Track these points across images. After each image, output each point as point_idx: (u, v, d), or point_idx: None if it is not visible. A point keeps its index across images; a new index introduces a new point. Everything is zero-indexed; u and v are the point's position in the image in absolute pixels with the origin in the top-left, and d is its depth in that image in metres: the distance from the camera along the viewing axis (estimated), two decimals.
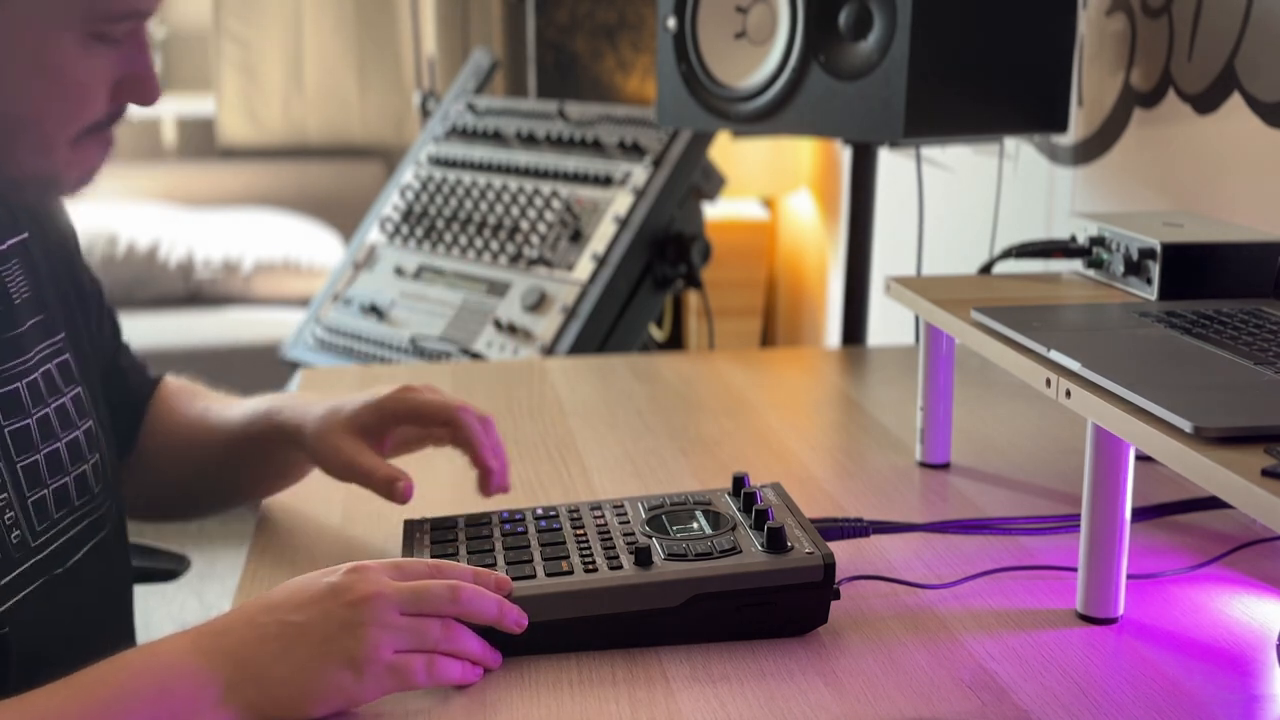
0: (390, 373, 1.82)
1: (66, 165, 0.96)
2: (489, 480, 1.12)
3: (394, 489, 1.08)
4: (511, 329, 2.12)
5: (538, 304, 2.14)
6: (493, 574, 0.94)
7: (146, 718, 0.81)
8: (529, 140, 2.42)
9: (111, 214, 3.77)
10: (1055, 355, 1.03)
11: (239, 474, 1.23)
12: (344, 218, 4.04)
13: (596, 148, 2.32)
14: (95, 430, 1.09)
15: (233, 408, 1.23)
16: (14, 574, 0.98)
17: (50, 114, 0.93)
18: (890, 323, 2.36)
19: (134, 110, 0.98)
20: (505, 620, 0.91)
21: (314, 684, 0.84)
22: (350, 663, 0.84)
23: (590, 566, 0.96)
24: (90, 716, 0.80)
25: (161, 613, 3.00)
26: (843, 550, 1.07)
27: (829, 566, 0.95)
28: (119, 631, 1.15)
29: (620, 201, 2.20)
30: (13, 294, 1.03)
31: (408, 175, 2.53)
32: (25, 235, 1.06)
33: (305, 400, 1.18)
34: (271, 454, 1.20)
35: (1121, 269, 1.28)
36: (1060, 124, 1.73)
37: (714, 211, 2.98)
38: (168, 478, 1.26)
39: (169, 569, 1.55)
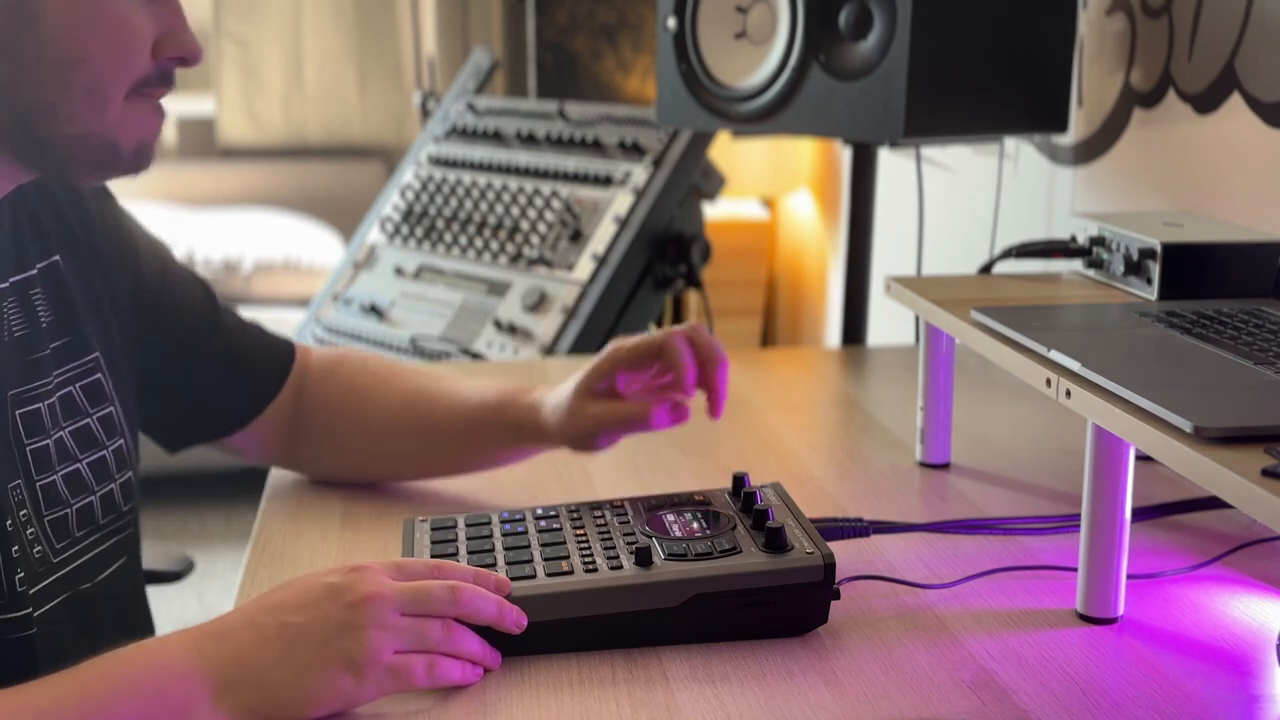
0: None
1: (120, 125, 0.96)
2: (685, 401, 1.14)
3: (668, 409, 1.12)
4: (511, 329, 2.12)
5: (538, 304, 2.14)
6: (493, 575, 0.94)
7: (141, 714, 0.81)
8: (529, 140, 2.42)
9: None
10: (1055, 355, 1.03)
11: (460, 453, 1.24)
12: (344, 218, 4.04)
13: (596, 148, 2.32)
14: (127, 449, 1.11)
15: (457, 392, 1.23)
16: (39, 586, 1.00)
17: (103, 61, 0.94)
18: (890, 323, 2.36)
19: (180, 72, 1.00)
20: (505, 621, 0.91)
21: (314, 686, 0.84)
22: (350, 665, 0.84)
23: (590, 566, 0.96)
24: (86, 709, 0.80)
25: (162, 613, 2.99)
26: (843, 550, 1.07)
27: (829, 566, 0.95)
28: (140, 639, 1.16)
29: (620, 201, 2.20)
30: (41, 318, 1.04)
31: (408, 175, 2.53)
32: (56, 258, 1.07)
33: (526, 394, 1.20)
34: (501, 442, 1.22)
35: (1121, 269, 1.28)
36: (1060, 124, 1.73)
37: (714, 211, 2.98)
38: (350, 443, 1.25)
39: (175, 571, 1.55)
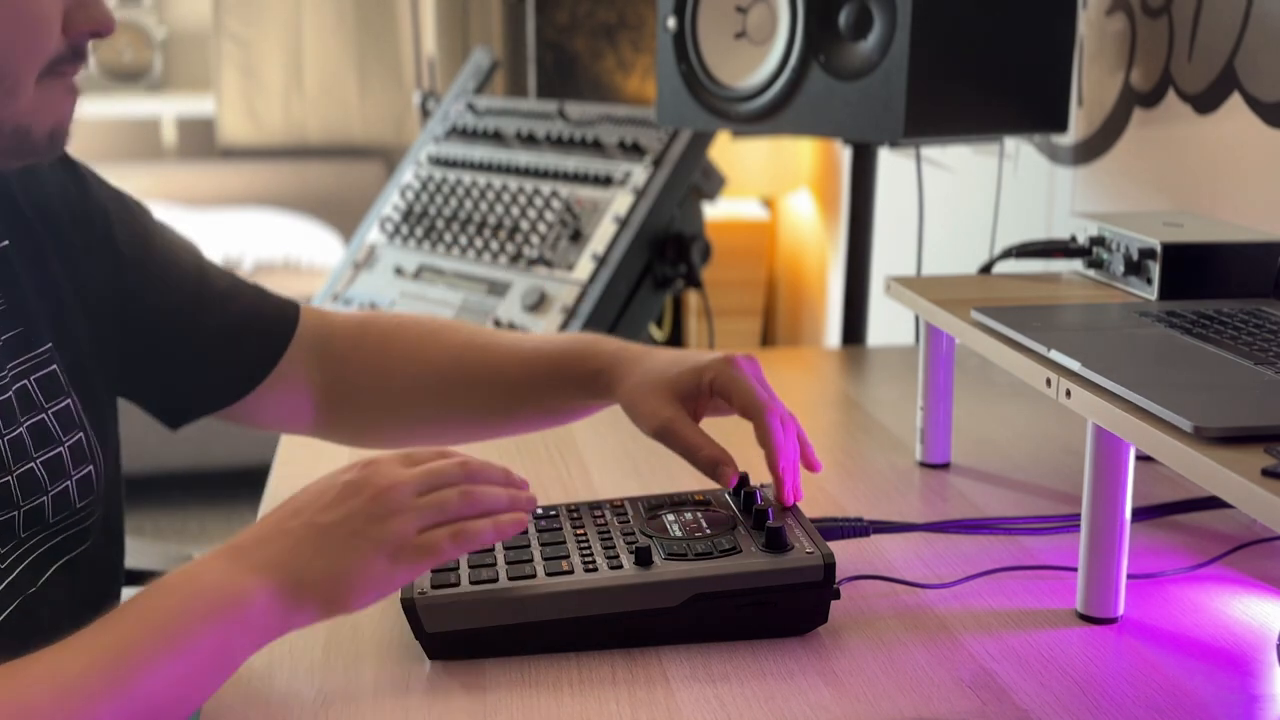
0: None
1: (33, 111, 0.93)
2: (780, 490, 1.07)
3: (719, 472, 1.06)
4: (511, 329, 2.12)
5: (538, 304, 2.14)
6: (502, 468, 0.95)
7: (218, 632, 0.84)
8: (529, 140, 2.42)
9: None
10: (1055, 355, 1.03)
11: (521, 410, 1.20)
12: (344, 218, 4.04)
13: (596, 148, 2.32)
14: (86, 442, 1.06)
15: (519, 342, 1.19)
16: None
17: (9, 49, 0.91)
18: (890, 323, 2.36)
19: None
20: (514, 479, 0.93)
21: (351, 575, 0.87)
22: (381, 550, 0.87)
23: (590, 566, 0.96)
24: (160, 645, 0.82)
25: None
26: (843, 550, 1.07)
27: (829, 566, 0.95)
28: None
29: (620, 201, 2.20)
30: None
31: (408, 175, 2.53)
32: (4, 244, 1.02)
33: (617, 349, 1.15)
34: (571, 398, 1.17)
35: (1121, 269, 1.28)
36: (1060, 124, 1.73)
37: (714, 211, 2.98)
38: (401, 402, 1.21)
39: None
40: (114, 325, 1.11)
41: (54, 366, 1.04)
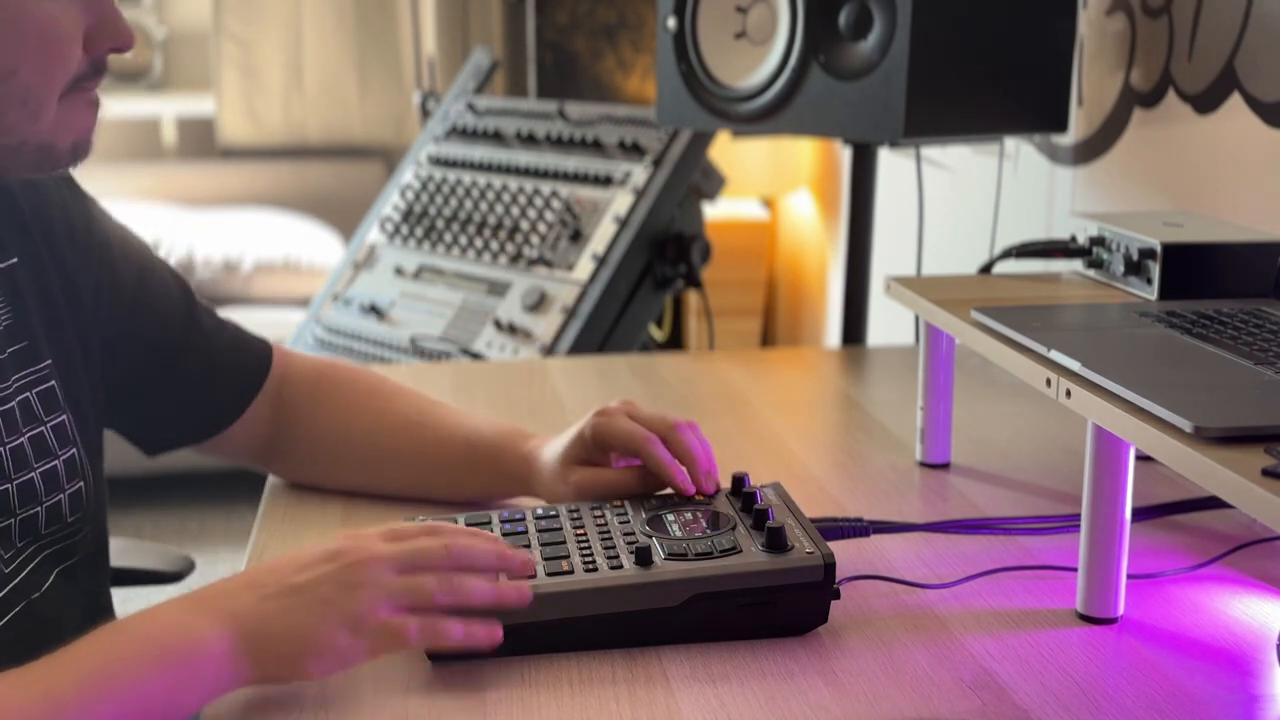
0: (395, 372, 1.82)
1: (56, 128, 0.95)
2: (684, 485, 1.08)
3: (645, 488, 1.09)
4: (511, 329, 2.12)
5: (538, 304, 2.14)
6: (493, 537, 0.95)
7: (163, 677, 0.82)
8: (529, 140, 2.42)
9: (111, 214, 3.77)
10: (1055, 355, 1.03)
11: (452, 485, 1.21)
12: (344, 218, 4.04)
13: (596, 148, 2.32)
14: (78, 458, 1.07)
15: (462, 422, 1.21)
16: None
17: (33, 70, 0.92)
18: (890, 323, 2.36)
19: (115, 60, 0.98)
20: (510, 564, 0.93)
21: (312, 640, 0.86)
22: (347, 622, 0.86)
23: (590, 566, 0.96)
24: (101, 681, 0.81)
25: None
26: (843, 550, 1.07)
27: (829, 566, 0.95)
28: None
29: (620, 201, 2.20)
30: None
31: (408, 175, 2.53)
32: (14, 261, 1.04)
33: (528, 451, 1.17)
34: (486, 486, 1.19)
35: (1121, 269, 1.28)
36: (1060, 124, 1.73)
37: (714, 211, 2.98)
38: (339, 457, 1.23)
39: (175, 572, 1.55)
40: (102, 352, 1.13)
41: (53, 382, 1.06)
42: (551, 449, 1.15)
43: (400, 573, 0.89)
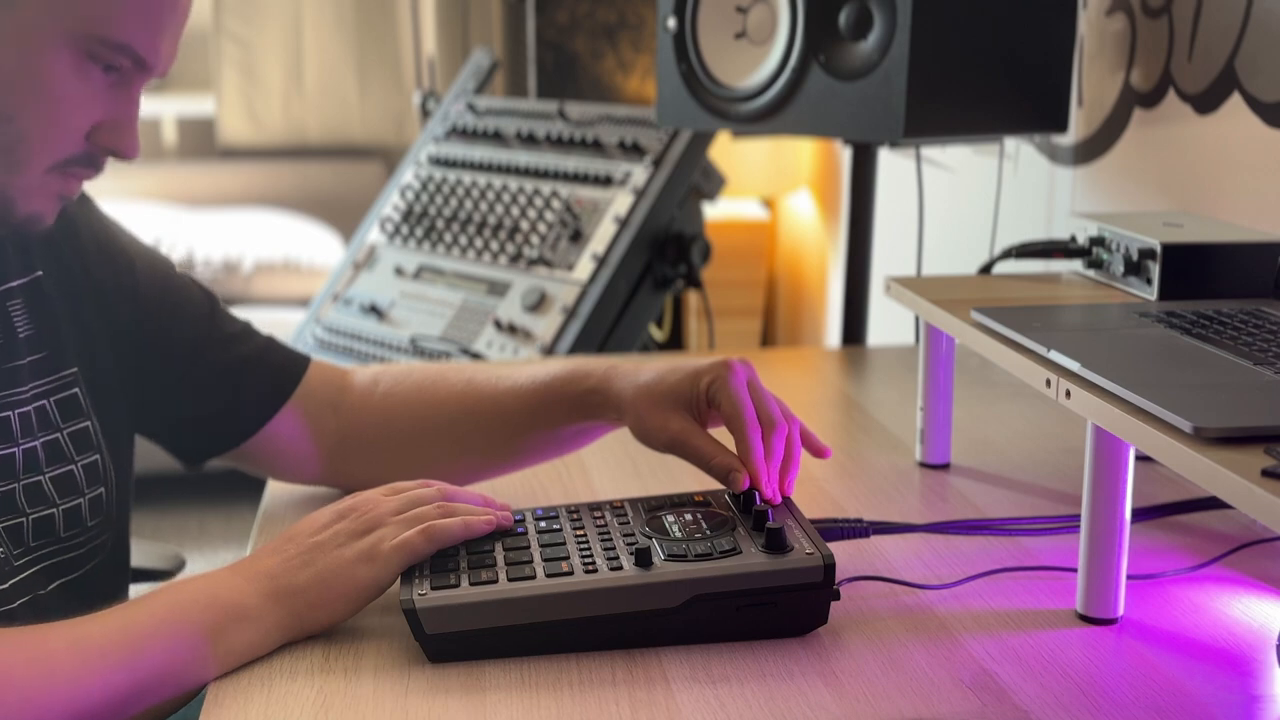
0: None
1: (27, 192, 0.96)
2: (761, 490, 1.05)
3: (730, 479, 1.04)
4: (511, 329, 2.12)
5: (538, 304, 2.14)
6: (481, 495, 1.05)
7: (200, 618, 0.91)
8: (529, 140, 2.42)
9: (111, 214, 3.77)
10: (1055, 355, 1.03)
11: (523, 442, 1.19)
12: (344, 218, 4.04)
13: (596, 148, 2.32)
14: (101, 464, 1.10)
15: (514, 375, 1.19)
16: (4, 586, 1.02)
17: (29, 127, 0.94)
18: (890, 323, 2.36)
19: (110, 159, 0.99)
20: (492, 505, 1.03)
21: (335, 581, 0.96)
22: (362, 557, 0.96)
23: (590, 567, 0.96)
24: (154, 623, 0.90)
25: None
26: (843, 550, 1.07)
27: (829, 567, 0.95)
28: None
29: (620, 201, 2.20)
30: (19, 330, 1.05)
31: (408, 175, 2.53)
32: (39, 274, 1.07)
33: (607, 368, 1.14)
34: (568, 420, 1.16)
35: (1121, 269, 1.28)
36: (1060, 124, 1.73)
37: (714, 211, 2.98)
38: (407, 448, 1.22)
39: (166, 570, 1.55)
40: (133, 361, 1.14)
41: (76, 390, 1.09)
42: (648, 375, 1.11)
43: (401, 511, 1.00)
